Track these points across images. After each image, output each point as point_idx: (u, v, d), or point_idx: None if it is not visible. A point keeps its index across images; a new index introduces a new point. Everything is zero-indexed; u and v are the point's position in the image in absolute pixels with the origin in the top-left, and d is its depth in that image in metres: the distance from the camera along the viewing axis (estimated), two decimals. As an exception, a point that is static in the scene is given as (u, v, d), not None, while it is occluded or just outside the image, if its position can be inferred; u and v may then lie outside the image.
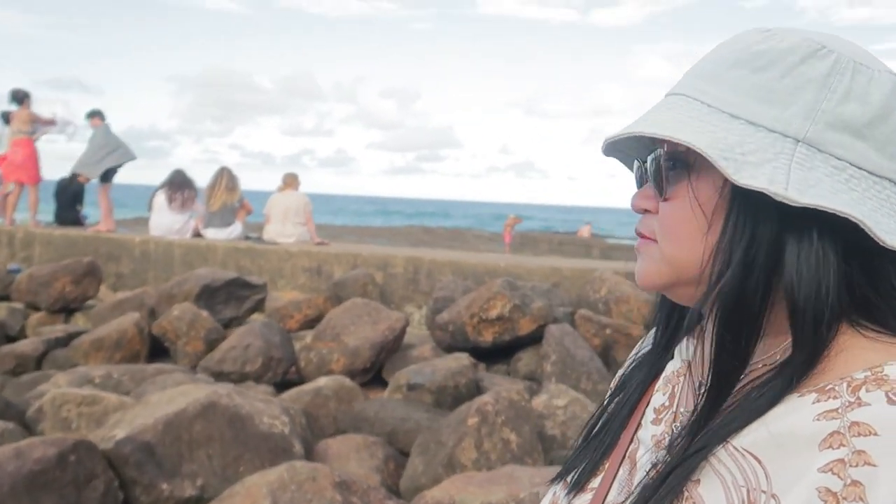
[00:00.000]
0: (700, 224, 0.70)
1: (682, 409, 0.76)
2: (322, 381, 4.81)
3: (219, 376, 5.24)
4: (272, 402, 3.86)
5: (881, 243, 0.63)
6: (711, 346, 0.70)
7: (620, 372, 0.91)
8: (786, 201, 0.63)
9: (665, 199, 0.73)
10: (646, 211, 0.75)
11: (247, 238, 8.25)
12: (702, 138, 0.66)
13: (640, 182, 0.79)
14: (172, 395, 3.58)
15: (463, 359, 4.89)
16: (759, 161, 0.64)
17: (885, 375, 0.62)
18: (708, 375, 0.70)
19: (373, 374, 5.51)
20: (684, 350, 0.82)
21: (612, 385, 0.90)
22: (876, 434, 0.58)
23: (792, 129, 0.66)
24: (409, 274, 7.09)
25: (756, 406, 0.66)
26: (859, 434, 0.59)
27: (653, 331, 0.89)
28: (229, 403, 3.50)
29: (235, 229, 8.09)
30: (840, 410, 0.61)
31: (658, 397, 0.81)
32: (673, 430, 0.74)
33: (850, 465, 0.58)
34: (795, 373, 0.66)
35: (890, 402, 0.59)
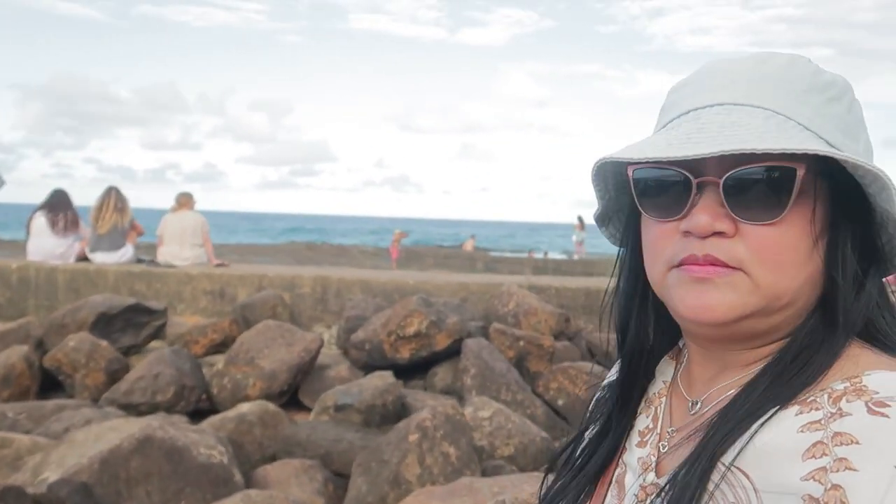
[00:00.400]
0: (806, 249, 0.68)
1: (668, 429, 0.77)
2: (245, 408, 4.70)
3: (127, 408, 4.99)
4: (205, 433, 3.77)
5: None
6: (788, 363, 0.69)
7: (594, 398, 0.91)
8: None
9: (772, 224, 0.67)
10: (715, 234, 0.69)
11: (139, 261, 7.85)
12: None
13: (667, 198, 0.71)
14: (99, 431, 3.42)
15: (388, 377, 4.95)
16: (880, 189, 0.67)
17: (864, 386, 0.64)
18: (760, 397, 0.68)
19: (289, 397, 5.44)
20: (665, 371, 0.83)
21: (588, 411, 0.90)
22: (857, 443, 0.59)
23: (876, 167, 0.67)
24: (318, 294, 7.04)
25: (743, 422, 0.66)
26: (841, 444, 0.60)
27: (618, 362, 0.87)
28: (164, 436, 3.38)
29: (127, 252, 7.68)
30: (822, 422, 0.63)
31: (641, 420, 0.81)
32: (659, 451, 0.75)
33: (831, 471, 0.59)
34: (793, 387, 0.67)
35: (871, 411, 0.61)
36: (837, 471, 0.58)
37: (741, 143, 0.63)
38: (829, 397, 0.64)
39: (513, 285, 6.57)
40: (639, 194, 0.73)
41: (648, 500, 0.72)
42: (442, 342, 5.65)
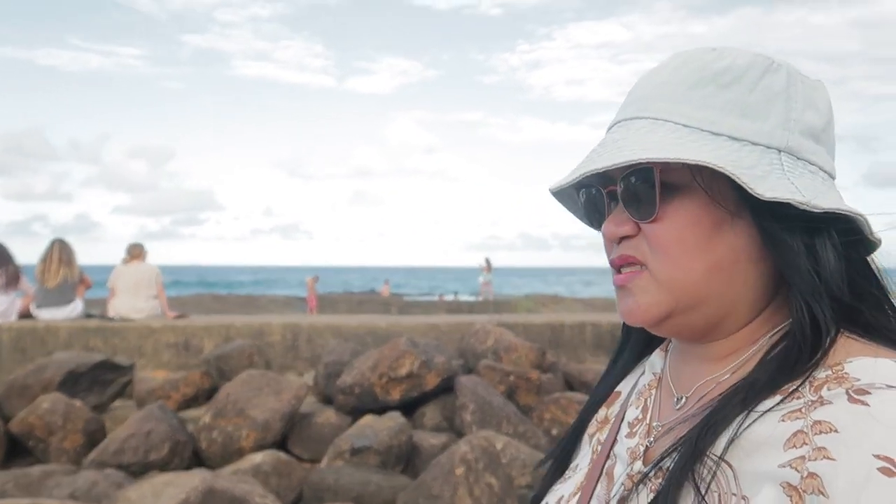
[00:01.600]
0: (696, 242, 0.71)
1: (654, 423, 0.78)
2: (258, 458, 4.63)
3: (118, 469, 4.75)
4: (248, 481, 3.71)
5: (876, 241, 0.71)
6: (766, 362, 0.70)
7: (593, 392, 0.95)
8: (811, 209, 0.67)
9: (654, 220, 0.71)
10: (623, 238, 0.74)
11: (88, 316, 7.45)
12: (709, 157, 0.67)
13: (594, 210, 0.79)
14: (153, 488, 3.31)
15: (397, 417, 5.02)
16: (763, 174, 0.68)
17: (846, 373, 0.65)
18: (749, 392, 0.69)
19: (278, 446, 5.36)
20: (655, 364, 0.85)
21: (585, 404, 0.95)
22: (836, 431, 0.60)
23: (775, 140, 0.70)
24: (288, 341, 6.97)
25: (728, 414, 0.67)
26: (821, 432, 0.61)
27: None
28: (224, 487, 3.33)
29: (77, 307, 7.28)
30: (803, 410, 0.64)
31: (632, 411, 0.83)
32: (647, 444, 0.77)
33: (809, 460, 0.60)
34: (778, 378, 0.68)
35: (851, 399, 0.61)
36: (815, 459, 0.59)
37: (593, 165, 0.71)
38: (811, 385, 0.65)
39: (488, 323, 6.80)
40: (586, 213, 0.81)
41: (634, 488, 0.74)
42: (432, 381, 5.75)
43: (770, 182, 0.67)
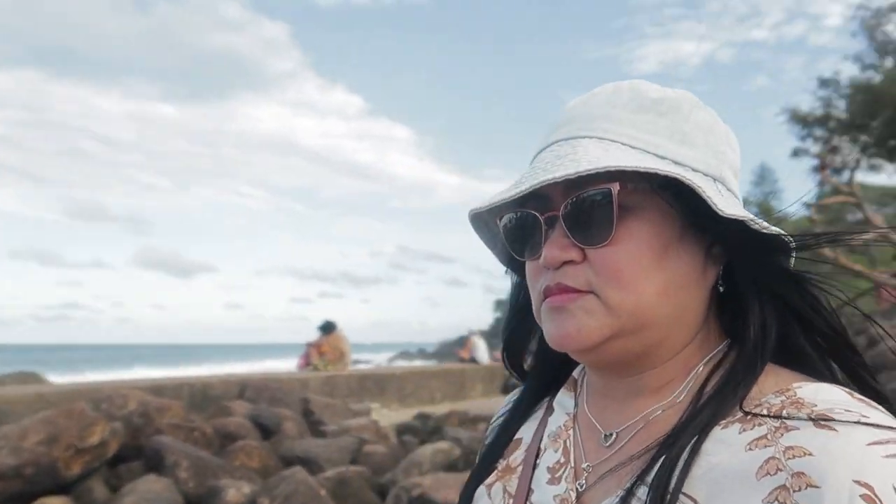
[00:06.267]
0: (649, 265, 0.69)
1: (584, 464, 0.74)
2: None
3: None
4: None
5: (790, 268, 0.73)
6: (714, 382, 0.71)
7: (488, 441, 0.90)
8: (764, 231, 0.69)
9: (607, 244, 0.69)
10: (566, 263, 0.71)
11: None
12: (675, 173, 0.66)
13: (521, 237, 0.75)
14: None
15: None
16: (713, 195, 0.68)
17: (800, 398, 0.65)
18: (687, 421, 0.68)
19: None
20: (565, 403, 0.83)
21: (479, 454, 0.89)
22: (811, 454, 0.59)
23: (711, 169, 0.72)
24: None
25: (682, 446, 0.66)
26: (794, 456, 0.60)
27: (514, 395, 0.93)
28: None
29: None
30: (769, 437, 0.62)
31: (549, 455, 0.78)
32: (578, 488, 0.73)
33: (794, 490, 0.58)
34: (723, 406, 0.67)
35: (818, 425, 0.61)
36: (800, 489, 0.58)
37: (545, 176, 0.67)
38: (769, 411, 0.65)
39: (122, 388, 6.48)
40: (508, 239, 0.77)
41: None
42: (113, 448, 5.41)
43: (721, 204, 0.68)
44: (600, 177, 0.68)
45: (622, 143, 0.72)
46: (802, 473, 0.59)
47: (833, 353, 0.74)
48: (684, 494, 0.63)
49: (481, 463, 0.87)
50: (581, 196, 0.70)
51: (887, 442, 0.59)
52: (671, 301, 0.71)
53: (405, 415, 9.55)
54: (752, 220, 0.69)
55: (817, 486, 0.58)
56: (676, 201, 0.71)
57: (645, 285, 0.70)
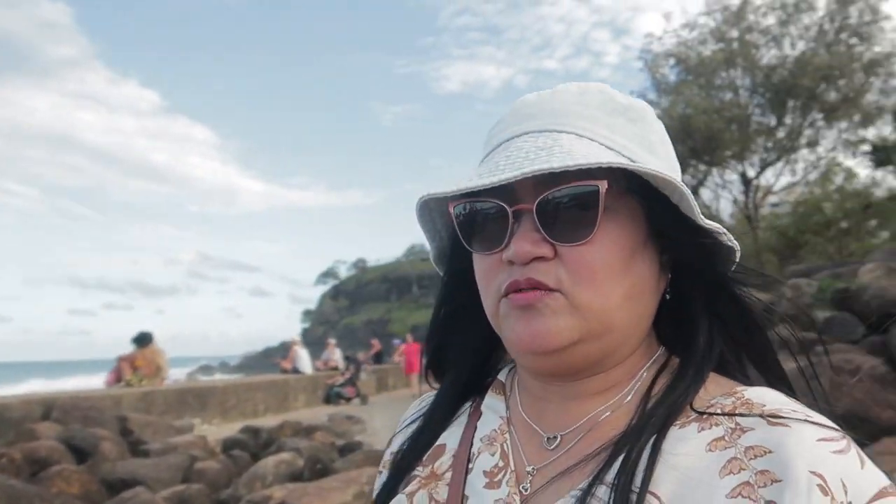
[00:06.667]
0: (620, 267, 0.69)
1: (529, 467, 0.72)
2: None
3: None
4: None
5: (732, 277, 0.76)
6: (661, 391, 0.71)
7: (397, 447, 0.86)
8: (731, 244, 0.72)
9: (584, 243, 0.68)
10: (535, 259, 0.69)
11: None
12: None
13: (480, 229, 0.73)
14: None
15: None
16: (679, 198, 0.69)
17: (748, 399, 0.68)
18: (642, 421, 0.68)
19: None
20: (496, 407, 0.81)
21: (391, 462, 0.85)
22: (770, 451, 0.62)
23: (676, 178, 0.69)
24: None
25: (640, 444, 0.66)
26: (756, 456, 0.62)
27: (422, 401, 0.90)
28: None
29: None
30: (727, 438, 0.65)
31: (485, 459, 0.75)
32: (522, 491, 0.71)
33: (759, 486, 0.60)
34: (675, 407, 0.69)
35: (770, 423, 0.64)
36: (764, 485, 0.60)
37: (541, 164, 0.64)
38: (722, 411, 0.67)
39: None
40: (461, 230, 0.74)
41: None
42: None
43: (695, 212, 0.68)
44: (582, 173, 0.67)
45: (599, 143, 0.71)
46: (766, 471, 0.61)
47: (758, 365, 0.77)
48: (649, 493, 0.63)
49: (395, 472, 0.82)
50: (561, 191, 0.68)
51: (832, 440, 0.63)
52: (633, 307, 0.72)
53: (229, 429, 9.10)
54: (723, 233, 0.72)
55: (780, 480, 0.60)
56: (648, 206, 0.72)
57: (614, 288, 0.70)
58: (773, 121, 17.57)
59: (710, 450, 0.65)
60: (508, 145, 0.73)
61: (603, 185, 0.67)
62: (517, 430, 0.77)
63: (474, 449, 0.78)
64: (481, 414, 0.82)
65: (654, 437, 0.66)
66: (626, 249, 0.70)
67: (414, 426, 0.87)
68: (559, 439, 0.74)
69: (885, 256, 9.62)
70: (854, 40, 16.23)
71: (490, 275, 0.73)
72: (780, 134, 17.58)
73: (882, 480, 0.61)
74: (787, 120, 17.47)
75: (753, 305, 0.76)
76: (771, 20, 17.08)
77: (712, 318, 0.75)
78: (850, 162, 17.51)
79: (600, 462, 0.67)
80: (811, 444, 0.62)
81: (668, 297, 0.78)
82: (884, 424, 6.03)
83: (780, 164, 18.28)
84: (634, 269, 0.71)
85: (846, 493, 0.59)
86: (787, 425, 0.64)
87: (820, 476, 0.60)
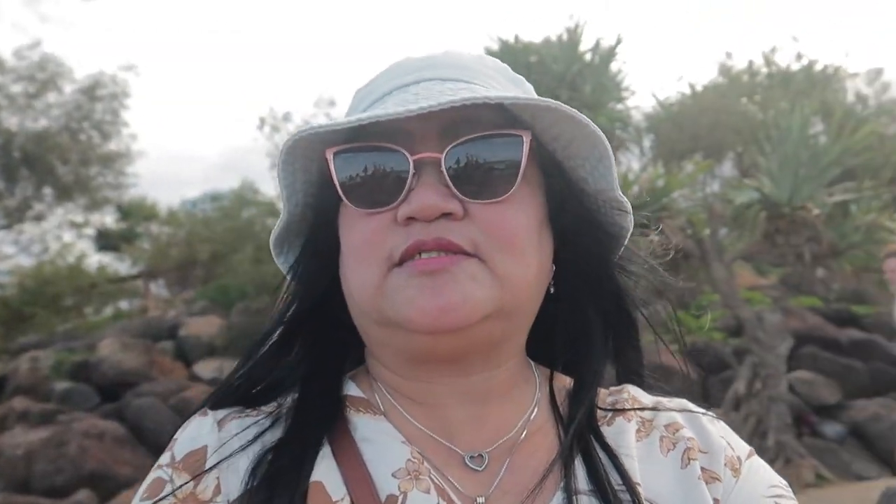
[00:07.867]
0: (536, 236, 0.62)
1: (480, 499, 0.61)
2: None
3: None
4: None
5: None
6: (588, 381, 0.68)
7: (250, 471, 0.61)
8: (629, 213, 0.69)
9: (501, 201, 0.59)
10: (442, 216, 0.58)
11: None
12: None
13: (369, 177, 0.60)
14: None
15: None
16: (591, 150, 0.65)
17: (634, 395, 0.73)
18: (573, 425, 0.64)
19: None
20: (384, 429, 0.64)
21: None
22: (684, 426, 0.70)
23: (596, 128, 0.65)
24: None
25: (592, 447, 0.65)
26: (676, 430, 0.69)
27: (240, 429, 0.63)
28: None
29: None
30: (646, 426, 0.69)
31: (416, 498, 0.59)
32: None
33: (692, 459, 0.67)
34: (592, 408, 0.68)
35: (665, 408, 0.71)
36: (696, 457, 0.67)
37: (469, 95, 0.56)
38: (631, 406, 0.71)
39: None
40: (342, 183, 0.60)
41: None
42: None
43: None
44: (500, 124, 0.60)
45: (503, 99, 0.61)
46: (691, 437, 0.68)
47: (621, 362, 0.75)
48: (636, 484, 0.63)
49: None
50: (475, 141, 0.59)
51: (717, 421, 0.72)
52: (538, 288, 0.65)
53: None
54: (629, 213, 0.68)
55: (705, 452, 0.67)
56: (548, 179, 0.65)
57: (531, 259, 0.61)
58: (1, 186, 17.18)
59: (639, 438, 0.68)
60: (407, 89, 0.63)
61: (527, 136, 0.60)
62: (425, 453, 0.63)
63: (394, 490, 0.60)
64: (355, 442, 0.63)
65: (593, 436, 0.65)
66: (536, 219, 0.63)
67: (251, 463, 0.62)
68: (487, 458, 0.64)
69: (118, 332, 10.74)
70: (95, 133, 17.62)
71: (376, 238, 0.60)
72: (11, 202, 17.23)
73: (745, 443, 0.72)
74: (18, 190, 17.37)
75: (635, 303, 0.72)
76: (18, 88, 16.92)
77: (599, 314, 0.71)
78: (78, 243, 18.47)
79: (559, 474, 0.61)
80: (707, 422, 0.71)
81: (552, 290, 0.69)
82: (122, 480, 6.80)
83: (4, 233, 17.76)
84: (543, 245, 0.64)
85: (734, 449, 0.69)
86: (680, 409, 0.72)
87: (724, 438, 0.70)
